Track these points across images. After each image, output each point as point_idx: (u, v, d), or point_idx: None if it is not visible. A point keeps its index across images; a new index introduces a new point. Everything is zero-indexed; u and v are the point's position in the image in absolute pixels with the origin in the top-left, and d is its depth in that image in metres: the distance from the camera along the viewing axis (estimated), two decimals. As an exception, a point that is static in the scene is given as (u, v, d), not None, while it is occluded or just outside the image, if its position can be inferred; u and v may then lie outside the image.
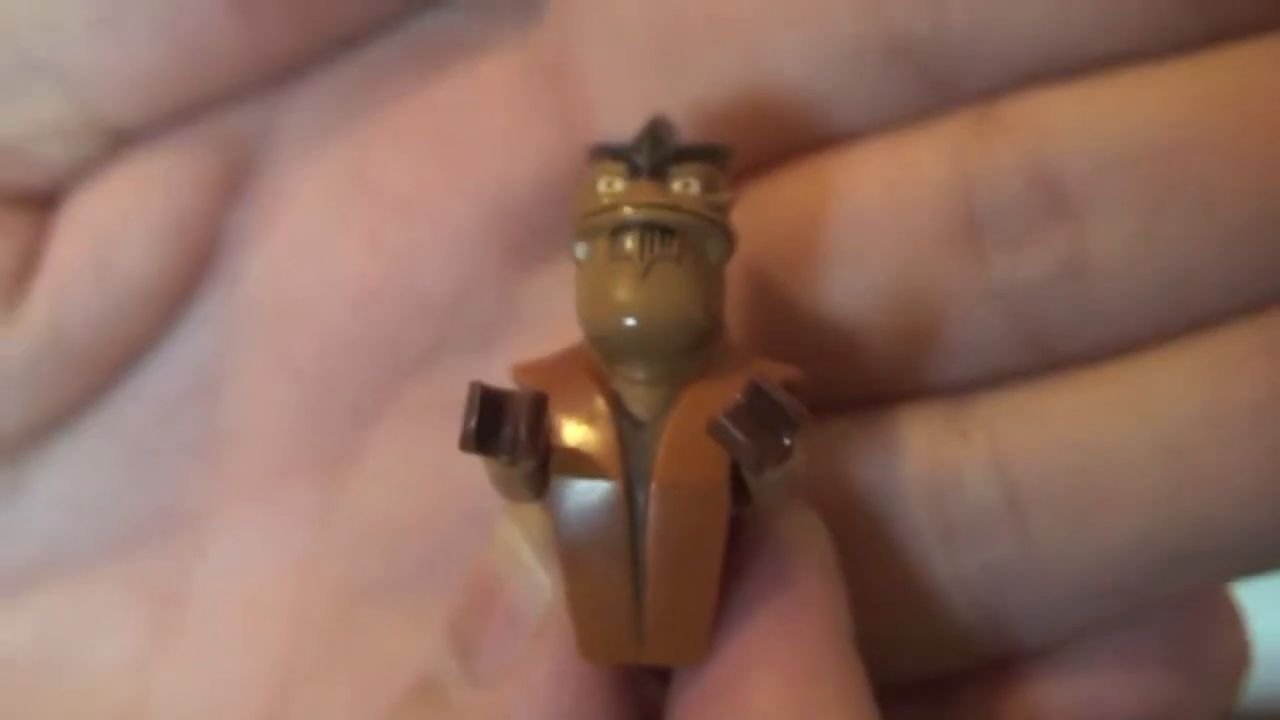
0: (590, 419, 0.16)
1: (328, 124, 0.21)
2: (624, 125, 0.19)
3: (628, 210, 0.16)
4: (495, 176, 0.21)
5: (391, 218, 0.21)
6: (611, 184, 0.17)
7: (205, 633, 0.21)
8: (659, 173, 0.17)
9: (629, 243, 0.16)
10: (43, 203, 0.21)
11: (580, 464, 0.16)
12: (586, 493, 0.16)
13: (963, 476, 0.20)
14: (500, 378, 0.21)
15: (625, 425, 0.16)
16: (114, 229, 0.20)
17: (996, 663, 0.21)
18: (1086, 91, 0.19)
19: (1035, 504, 0.20)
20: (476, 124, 0.21)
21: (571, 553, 0.16)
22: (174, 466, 0.21)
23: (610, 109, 0.21)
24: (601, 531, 0.16)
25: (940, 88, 0.20)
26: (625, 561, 0.16)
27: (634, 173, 0.17)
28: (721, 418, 0.16)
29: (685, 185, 0.17)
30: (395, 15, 0.21)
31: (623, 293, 0.16)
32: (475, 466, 0.21)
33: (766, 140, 0.20)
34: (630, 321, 0.16)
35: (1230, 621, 0.22)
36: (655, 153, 0.17)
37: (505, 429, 0.15)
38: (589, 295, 0.16)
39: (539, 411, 0.16)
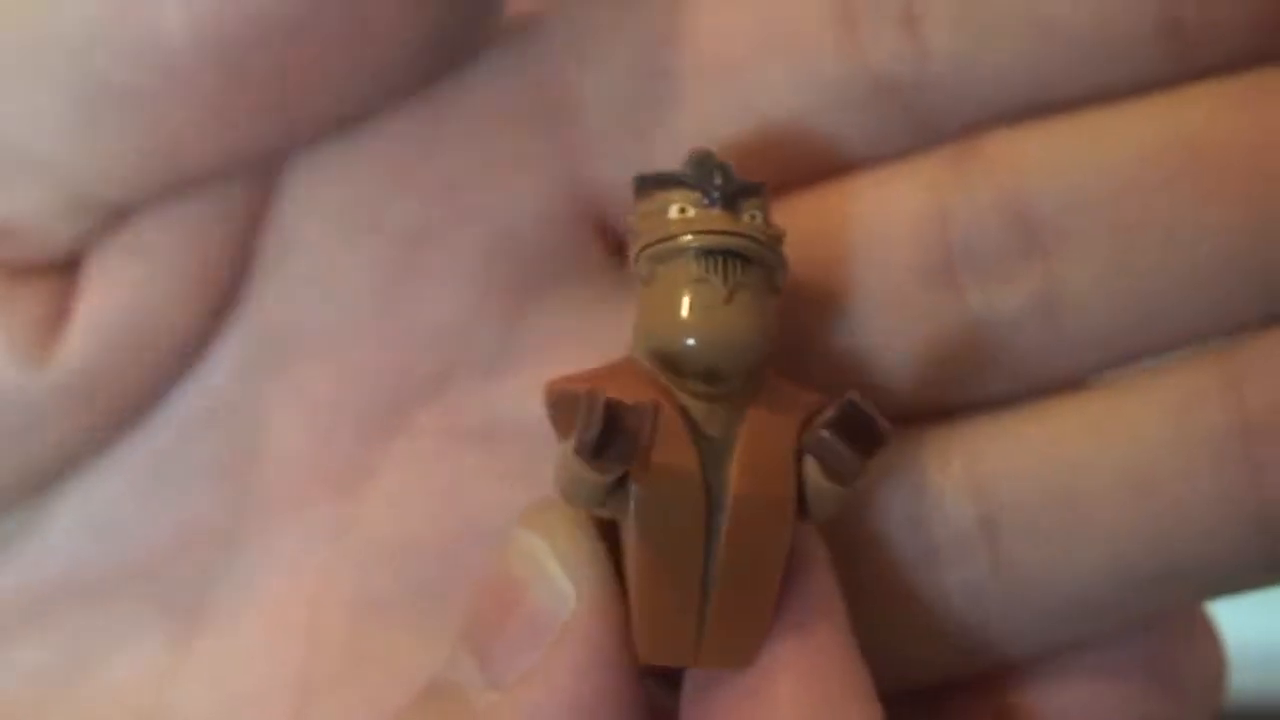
0: (668, 432, 0.17)
1: (337, 166, 0.22)
2: (621, 164, 0.21)
3: (714, 237, 0.17)
4: (498, 213, 0.22)
5: (400, 252, 0.22)
6: (685, 210, 0.18)
7: (223, 647, 0.22)
8: (731, 204, 0.18)
9: (713, 267, 0.17)
10: (65, 262, 0.21)
11: (665, 475, 0.17)
12: (671, 502, 0.17)
13: (943, 499, 0.21)
14: (506, 402, 0.21)
15: (699, 439, 0.17)
16: (138, 277, 0.21)
17: (981, 675, 0.22)
18: (1061, 129, 0.20)
19: (1010, 527, 0.21)
20: (480, 163, 0.22)
21: (649, 559, 0.17)
22: (193, 488, 0.22)
23: (607, 148, 0.22)
24: (680, 539, 0.17)
25: (923, 125, 0.21)
26: (698, 569, 0.17)
27: (709, 201, 0.18)
28: (824, 432, 0.17)
29: (753, 217, 0.18)
30: (373, 112, 0.22)
31: (708, 314, 0.17)
32: (485, 485, 0.22)
33: (758, 177, 0.21)
34: (714, 341, 0.17)
35: (1206, 637, 0.23)
36: (729, 184, 0.18)
37: (619, 439, 0.16)
38: (668, 314, 0.17)
39: (656, 424, 0.16)
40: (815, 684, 0.18)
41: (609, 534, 0.18)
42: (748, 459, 0.17)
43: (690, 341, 0.17)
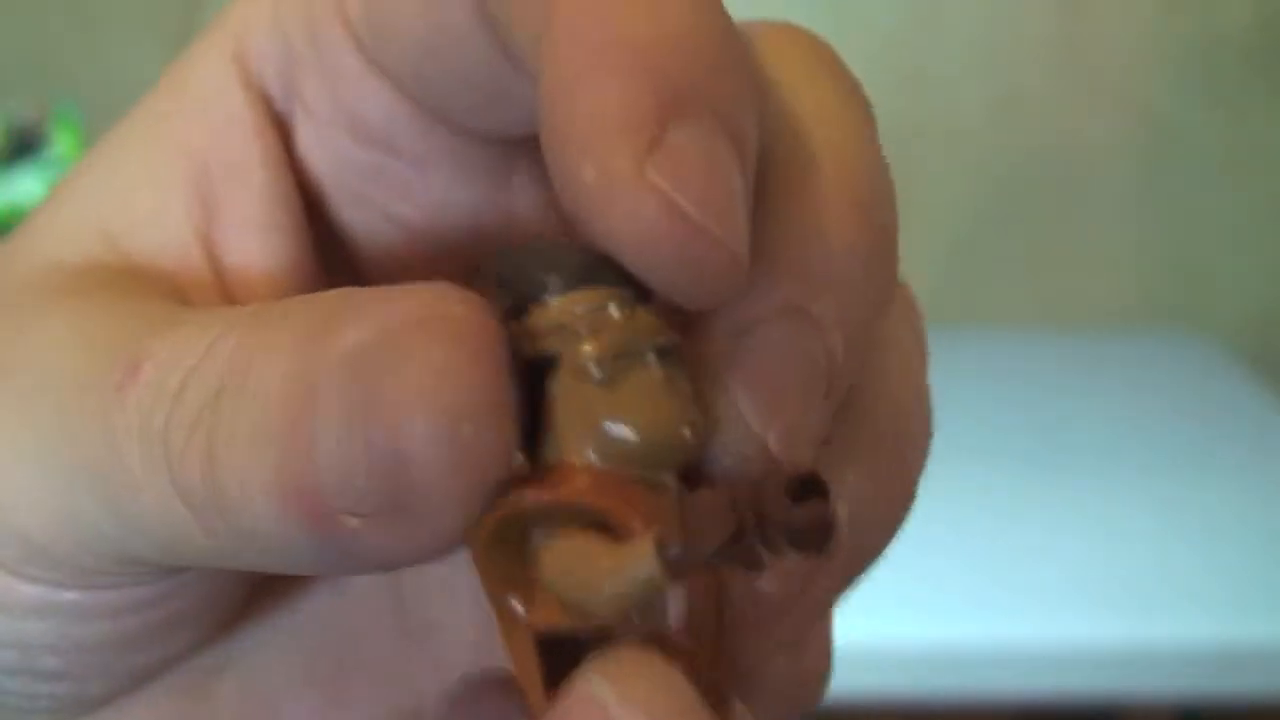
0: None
1: None
2: None
3: (671, 336, 0.17)
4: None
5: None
6: (622, 309, 0.17)
7: None
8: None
9: (672, 364, 0.17)
10: None
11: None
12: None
13: None
14: None
15: None
16: None
17: None
18: None
19: None
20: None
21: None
22: None
23: None
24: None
25: None
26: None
27: (637, 299, 0.18)
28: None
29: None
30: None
31: (683, 408, 0.17)
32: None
33: None
34: (688, 433, 0.17)
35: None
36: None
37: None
38: (646, 409, 0.17)
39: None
40: None
41: None
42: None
43: (669, 434, 0.17)
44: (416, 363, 0.16)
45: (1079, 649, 0.97)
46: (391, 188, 0.21)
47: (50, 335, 0.19)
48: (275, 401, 0.17)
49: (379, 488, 0.16)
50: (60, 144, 1.30)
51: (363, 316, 0.17)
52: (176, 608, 0.20)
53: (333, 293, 0.18)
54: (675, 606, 0.17)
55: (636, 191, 0.16)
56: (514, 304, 0.17)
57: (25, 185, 1.27)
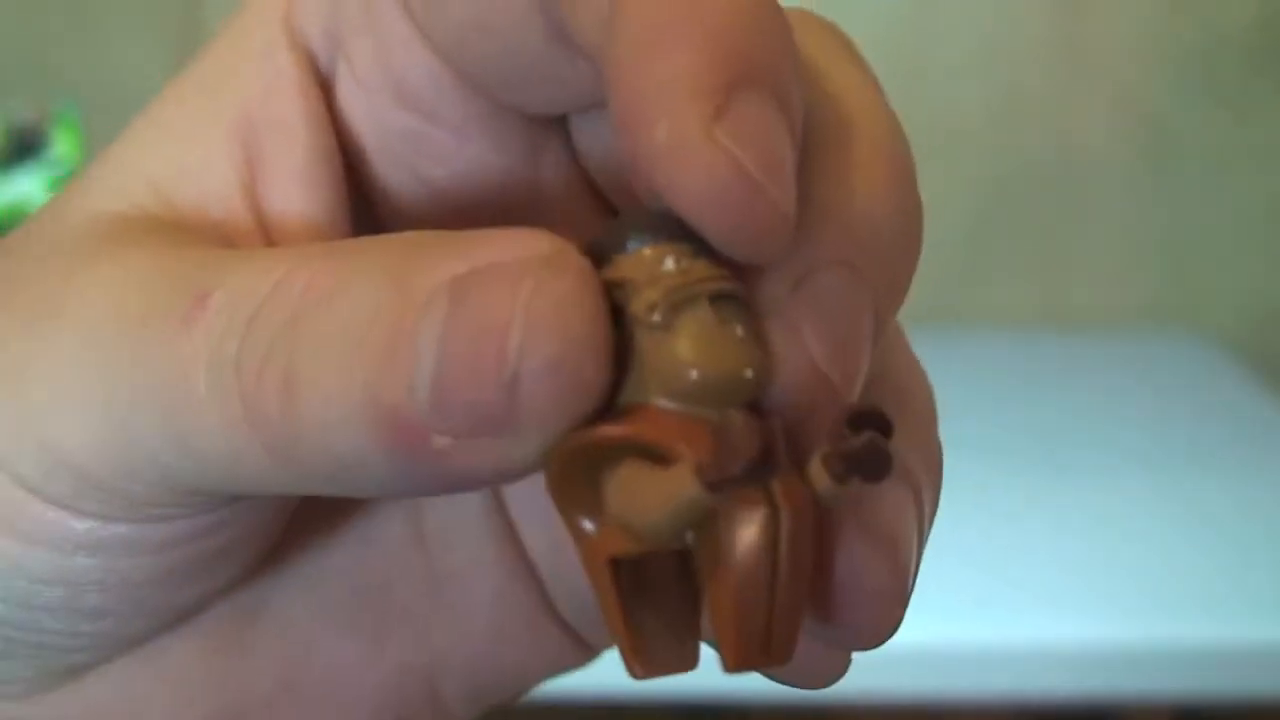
0: None
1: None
2: None
3: (725, 284, 0.19)
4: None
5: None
6: (680, 261, 0.19)
7: None
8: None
9: (728, 309, 0.18)
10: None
11: (742, 494, 0.18)
12: (750, 518, 0.18)
13: None
14: None
15: None
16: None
17: None
18: None
19: None
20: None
21: (738, 571, 0.18)
22: None
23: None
24: (757, 550, 0.18)
25: None
26: (769, 574, 0.19)
27: (697, 253, 0.19)
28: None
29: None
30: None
31: (744, 349, 0.18)
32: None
33: None
34: (750, 373, 0.18)
35: None
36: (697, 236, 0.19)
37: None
38: (704, 350, 0.18)
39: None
40: None
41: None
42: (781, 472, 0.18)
43: (727, 375, 0.18)
44: (536, 292, 0.17)
45: (1079, 649, 0.97)
46: (427, 152, 0.21)
47: (104, 276, 0.19)
48: (366, 326, 0.17)
49: (480, 410, 0.17)
50: (60, 144, 1.30)
51: (459, 250, 0.17)
52: (219, 542, 0.20)
53: (406, 233, 0.18)
54: (750, 534, 0.18)
55: (706, 150, 0.17)
56: (591, 261, 0.18)
57: (25, 185, 1.27)
